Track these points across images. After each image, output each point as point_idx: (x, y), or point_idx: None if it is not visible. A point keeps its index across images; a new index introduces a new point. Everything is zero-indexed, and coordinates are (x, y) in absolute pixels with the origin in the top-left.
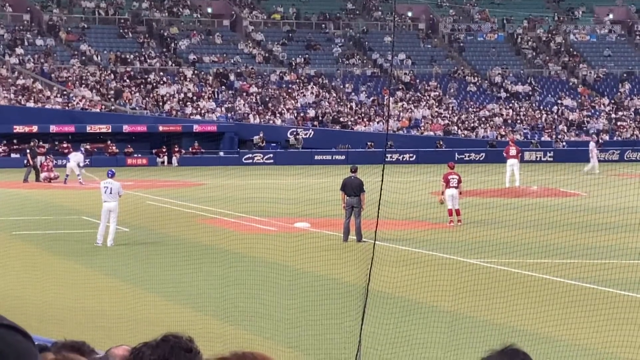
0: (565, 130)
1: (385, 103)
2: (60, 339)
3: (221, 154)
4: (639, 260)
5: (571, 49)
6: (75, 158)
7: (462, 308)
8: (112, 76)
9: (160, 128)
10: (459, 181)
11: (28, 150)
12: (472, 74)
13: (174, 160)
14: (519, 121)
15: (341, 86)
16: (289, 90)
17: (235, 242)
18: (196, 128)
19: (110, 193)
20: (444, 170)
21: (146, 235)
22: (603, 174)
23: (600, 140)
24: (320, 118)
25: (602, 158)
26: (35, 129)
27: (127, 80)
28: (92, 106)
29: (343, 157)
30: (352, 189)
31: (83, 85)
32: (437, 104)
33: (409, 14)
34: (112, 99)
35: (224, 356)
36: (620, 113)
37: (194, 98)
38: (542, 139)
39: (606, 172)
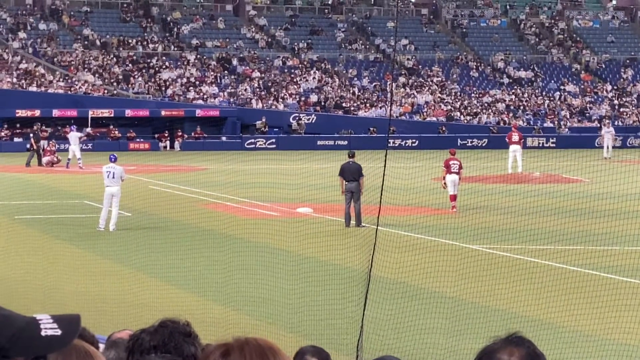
0: (568, 117)
1: (387, 88)
2: None
3: (224, 138)
4: None
5: (574, 35)
6: (73, 139)
7: (464, 294)
8: (115, 60)
9: (163, 113)
10: (460, 167)
11: (32, 135)
12: (475, 59)
13: (177, 145)
14: (521, 107)
15: (344, 71)
16: (292, 75)
17: (237, 227)
18: (199, 113)
19: (113, 177)
20: (446, 156)
21: (148, 220)
22: (603, 160)
23: (603, 126)
24: (322, 103)
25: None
26: (37, 113)
27: (130, 65)
28: (94, 90)
29: (345, 143)
30: (351, 174)
31: (86, 70)
32: (439, 90)
33: None
34: (115, 84)
35: (226, 342)
36: (623, 99)
37: (197, 83)
38: (545, 125)
39: (608, 158)
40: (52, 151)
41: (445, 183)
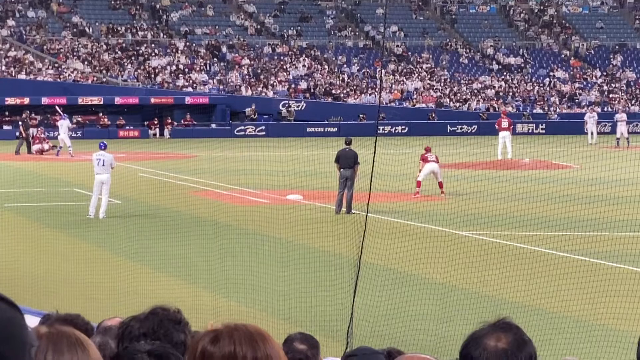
0: (558, 103)
1: (377, 75)
2: (53, 311)
3: (213, 126)
4: (630, 233)
5: (563, 21)
6: (63, 128)
7: (454, 280)
8: (104, 48)
9: (152, 100)
10: (437, 159)
11: (21, 122)
12: (464, 46)
13: (166, 132)
14: (511, 93)
15: (333, 58)
16: (281, 63)
17: (227, 214)
18: (188, 100)
19: (103, 165)
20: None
21: (138, 207)
22: (595, 146)
23: (590, 112)
24: (312, 90)
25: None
26: (26, 101)
27: (119, 52)
28: (83, 78)
29: (335, 129)
30: (347, 161)
31: (75, 57)
32: (429, 76)
33: None
34: (104, 71)
35: (216, 328)
36: (612, 85)
37: (186, 70)
38: (534, 111)
39: (598, 144)
40: (42, 138)
41: (421, 169)
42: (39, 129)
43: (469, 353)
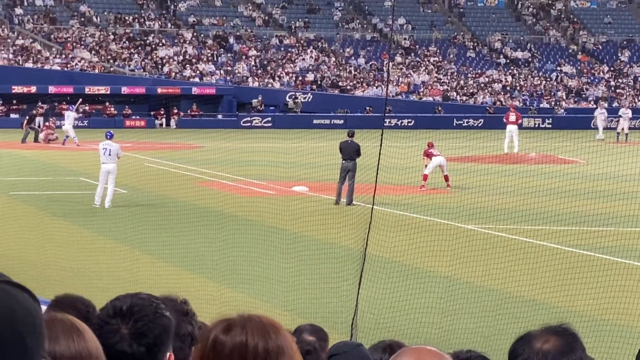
0: (565, 97)
1: (384, 68)
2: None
3: (220, 116)
4: (636, 228)
5: (571, 16)
6: (69, 119)
7: (459, 273)
8: (112, 37)
9: (159, 90)
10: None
11: (27, 116)
12: (472, 39)
13: (172, 122)
14: (518, 87)
15: (340, 50)
16: (288, 54)
17: (233, 205)
18: (195, 91)
19: (109, 154)
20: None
21: (144, 197)
22: (602, 142)
23: (600, 108)
24: (319, 82)
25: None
26: (33, 89)
27: (127, 42)
28: (90, 67)
29: (342, 122)
30: (348, 152)
31: (82, 47)
32: (436, 70)
33: None
34: (111, 61)
35: (230, 317)
36: (619, 81)
37: (193, 60)
38: (541, 105)
39: (605, 139)
40: (52, 127)
41: (426, 164)
42: (51, 118)
43: (515, 349)
